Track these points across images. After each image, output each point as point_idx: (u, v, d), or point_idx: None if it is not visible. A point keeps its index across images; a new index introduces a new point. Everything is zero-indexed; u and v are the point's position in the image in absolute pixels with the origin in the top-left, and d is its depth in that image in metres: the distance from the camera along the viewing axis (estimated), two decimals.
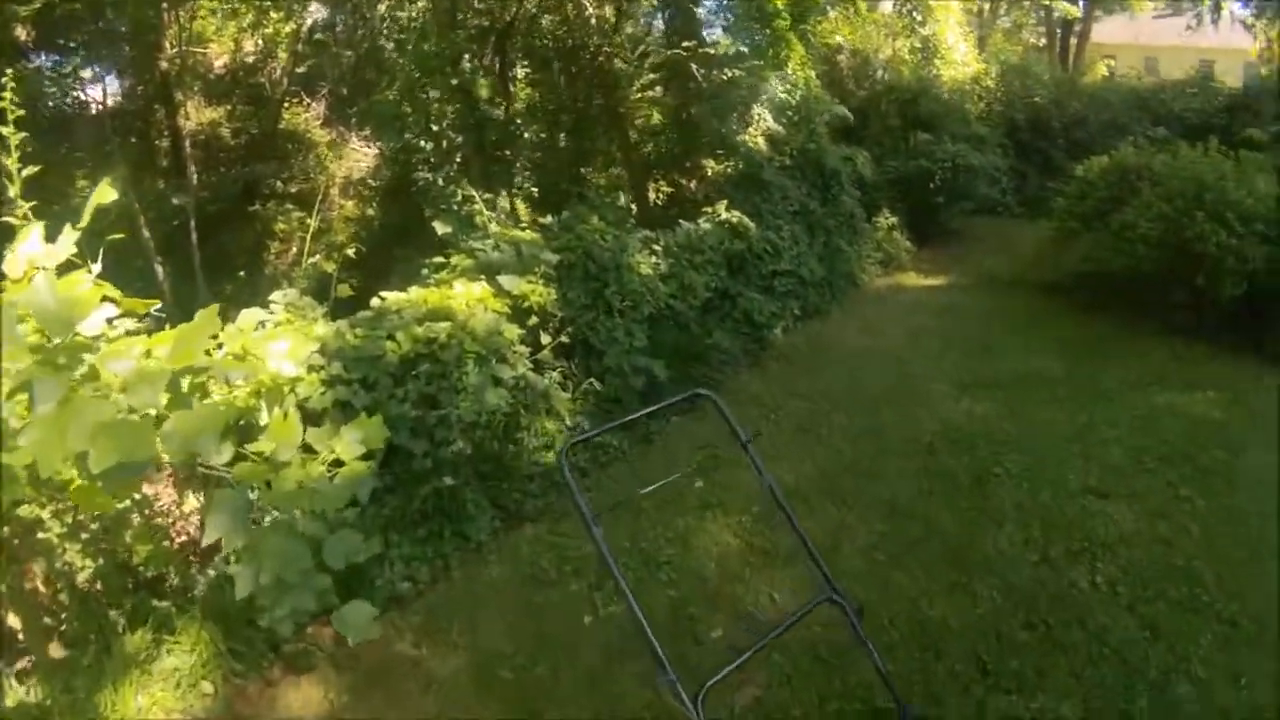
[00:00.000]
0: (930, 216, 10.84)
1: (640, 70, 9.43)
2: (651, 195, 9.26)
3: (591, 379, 5.11)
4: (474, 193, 6.79)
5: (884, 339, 7.26)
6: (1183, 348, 6.85)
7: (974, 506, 4.42)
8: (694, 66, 7.97)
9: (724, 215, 7.15)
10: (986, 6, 17.93)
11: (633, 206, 6.72)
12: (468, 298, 4.43)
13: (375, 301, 4.24)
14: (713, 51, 8.23)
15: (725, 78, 7.92)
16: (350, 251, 6.27)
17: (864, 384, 6.17)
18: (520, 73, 9.20)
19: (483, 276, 4.80)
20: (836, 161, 9.04)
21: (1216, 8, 17.34)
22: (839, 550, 3.93)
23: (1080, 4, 20.06)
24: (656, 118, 9.45)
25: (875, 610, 3.36)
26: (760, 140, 8.38)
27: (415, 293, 4.42)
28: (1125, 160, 8.08)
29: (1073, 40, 21.07)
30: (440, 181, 7.52)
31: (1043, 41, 21.56)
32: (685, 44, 8.04)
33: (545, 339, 4.84)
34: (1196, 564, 3.89)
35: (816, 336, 7.27)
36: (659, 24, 9.56)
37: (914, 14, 11.53)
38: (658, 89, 9.35)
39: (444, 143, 8.41)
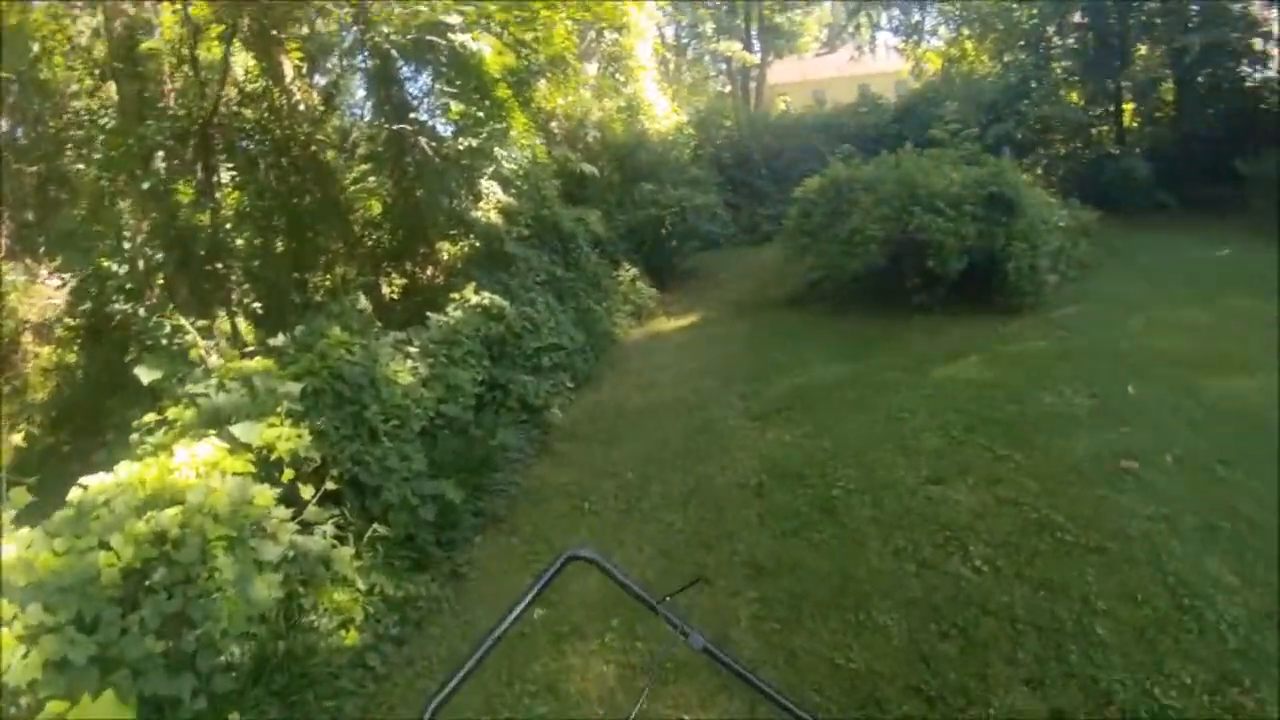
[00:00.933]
0: (666, 261, 11.59)
1: (354, 159, 9.00)
2: (386, 290, 8.82)
3: (374, 524, 4.48)
4: (184, 321, 5.97)
5: (664, 390, 7.40)
6: (929, 323, 7.98)
7: (833, 536, 4.48)
8: (424, 141, 7.73)
9: (475, 298, 6.92)
10: (672, 64, 20.09)
11: (369, 307, 6.27)
12: (196, 465, 3.66)
13: (74, 493, 3.32)
14: (441, 124, 8.05)
15: (460, 147, 7.77)
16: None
17: (664, 442, 6.16)
18: (225, 175, 8.28)
19: (212, 430, 4.05)
20: (571, 223, 9.26)
21: (872, 40, 21.42)
22: (727, 634, 3.74)
23: (756, 52, 23.30)
24: (378, 207, 9.07)
25: (803, 690, 3.29)
26: (494, 214, 8.33)
27: (127, 472, 3.54)
28: (837, 175, 9.13)
29: (752, 84, 24.39)
30: (142, 312, 6.48)
31: (727, 88, 24.69)
32: (401, 124, 7.77)
33: (307, 492, 4.08)
34: (1045, 512, 4.39)
35: (597, 405, 7.24)
36: (366, 111, 9.18)
37: (616, 75, 12.33)
38: (372, 179, 8.95)
39: (140, 263, 7.29)
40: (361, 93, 8.99)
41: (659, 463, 5.78)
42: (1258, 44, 12.59)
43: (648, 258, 11.25)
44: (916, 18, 19.13)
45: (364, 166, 8.98)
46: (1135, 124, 13.93)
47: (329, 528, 4.14)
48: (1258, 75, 12.82)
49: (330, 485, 4.33)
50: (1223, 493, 4.45)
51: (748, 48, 23.65)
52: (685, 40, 24.86)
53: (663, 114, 13.59)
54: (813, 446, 5.60)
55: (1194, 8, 12.42)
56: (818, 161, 10.97)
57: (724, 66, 26.16)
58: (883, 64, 22.53)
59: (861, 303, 8.65)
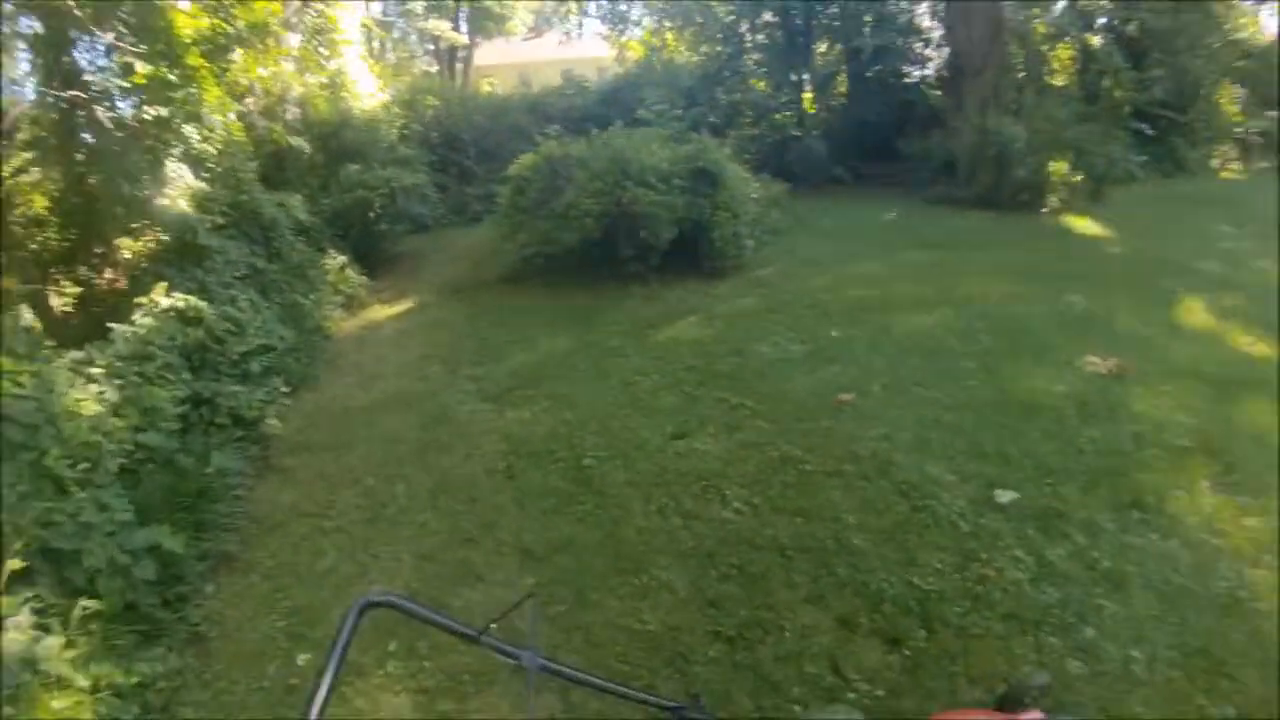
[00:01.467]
0: (375, 245, 10.61)
1: (11, 145, 6.91)
2: (57, 301, 6.92)
3: (81, 599, 3.24)
4: None
5: (388, 382, 6.72)
6: (645, 291, 8.26)
7: (595, 506, 4.34)
8: (100, 113, 6.20)
9: (166, 301, 5.64)
10: (378, 41, 18.82)
11: (37, 324, 4.72)
12: None
13: None
14: (122, 86, 6.48)
15: (146, 117, 6.35)
16: None
17: (399, 438, 5.55)
18: None
19: None
20: (273, 209, 8.05)
21: (580, 26, 22.05)
22: (516, 627, 3.15)
23: (464, 33, 22.57)
24: (42, 201, 7.10)
25: (609, 662, 3.11)
26: (183, 202, 6.96)
27: None
28: (551, 153, 8.99)
29: (459, 65, 23.57)
30: None
31: (434, 68, 23.60)
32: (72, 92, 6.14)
33: None
34: (784, 448, 4.65)
35: (319, 409, 6.32)
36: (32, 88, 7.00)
37: (321, 49, 10.97)
38: (35, 168, 7.06)
39: None
40: (25, 66, 6.78)
41: (398, 461, 5.22)
42: (919, 47, 15.93)
43: (355, 243, 10.19)
44: (623, 7, 20.00)
45: (27, 155, 7.06)
46: (815, 110, 16.22)
47: (24, 617, 2.96)
48: (916, 73, 16.20)
49: (14, 564, 3.08)
50: (925, 409, 5.10)
51: (456, 28, 22.94)
52: (392, 17, 23.22)
53: (368, 92, 12.38)
54: (554, 420, 5.47)
55: (867, 16, 15.00)
56: (526, 142, 10.84)
57: (431, 46, 24.90)
58: (589, 50, 22.95)
59: (578, 276, 8.68)
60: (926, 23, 16.03)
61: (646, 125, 10.10)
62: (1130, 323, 6.60)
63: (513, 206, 9.10)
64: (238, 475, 4.92)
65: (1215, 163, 16.27)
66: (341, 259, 9.42)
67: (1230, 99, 17.23)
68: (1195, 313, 6.89)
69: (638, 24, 19.43)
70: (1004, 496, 4.05)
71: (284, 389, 6.19)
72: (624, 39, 19.43)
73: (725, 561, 3.76)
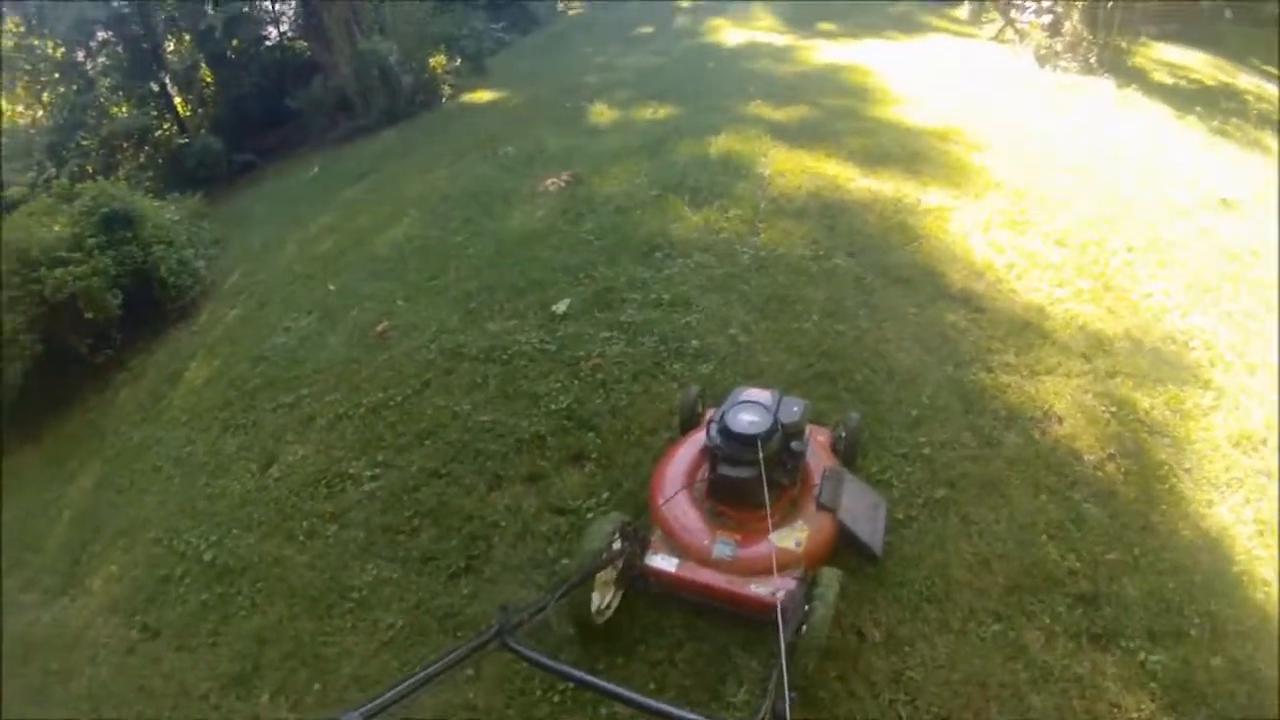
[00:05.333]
0: None
1: None
2: None
3: None
4: None
5: None
6: (122, 378, 7.08)
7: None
8: None
9: None
10: None
11: None
12: None
13: None
14: None
15: None
16: None
17: None
18: None
19: None
20: None
21: None
22: None
23: None
24: None
25: None
26: None
27: None
28: None
29: None
30: None
31: None
32: None
33: None
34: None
35: None
36: None
37: None
38: None
39: None
40: None
41: None
42: (269, 7, 15.46)
43: None
44: None
45: None
46: (191, 110, 14.93)
47: None
48: (274, 32, 15.74)
49: None
50: (452, 292, 5.91)
51: None
52: None
53: None
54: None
55: None
56: None
57: None
58: None
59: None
60: None
61: (25, 202, 8.45)
62: (562, 143, 8.24)
63: None
64: None
65: (560, 7, 20.08)
66: None
67: None
68: (603, 114, 9.14)
69: None
70: (560, 306, 5.10)
71: None
72: None
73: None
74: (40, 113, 13.84)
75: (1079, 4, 10.40)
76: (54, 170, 9.51)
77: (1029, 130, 7.73)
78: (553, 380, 4.50)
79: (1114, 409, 4.04)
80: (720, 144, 7.43)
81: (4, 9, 13.05)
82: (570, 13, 20.10)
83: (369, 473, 4.25)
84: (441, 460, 4.16)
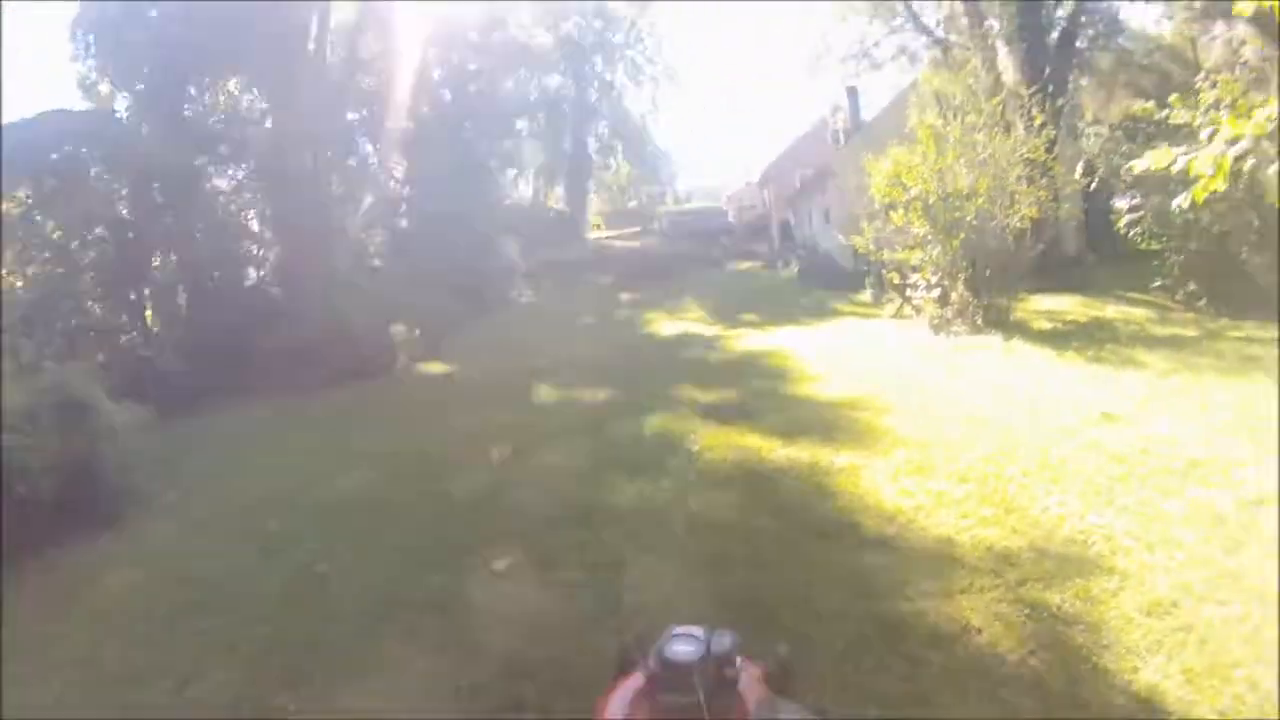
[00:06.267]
0: None
1: None
2: None
3: None
4: None
5: None
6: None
7: None
8: None
9: None
10: None
11: None
12: None
13: None
14: None
15: None
16: None
17: None
18: None
19: None
20: None
21: None
22: None
23: None
24: None
25: None
26: None
27: None
28: None
29: None
30: None
31: None
32: None
33: None
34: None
35: None
36: None
37: None
38: None
39: None
40: None
41: None
42: (254, 250, 17.46)
43: None
44: None
45: None
46: (159, 327, 15.96)
47: None
48: (254, 275, 17.66)
49: None
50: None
51: None
52: None
53: None
54: None
55: (199, 224, 15.60)
56: None
57: None
58: None
59: None
60: (255, 227, 17.88)
61: None
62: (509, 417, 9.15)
63: None
64: None
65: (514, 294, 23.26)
66: None
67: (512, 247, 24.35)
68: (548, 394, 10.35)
69: None
70: (500, 564, 5.50)
71: None
72: None
73: None
74: (20, 283, 14.49)
75: (962, 275, 12.28)
76: (24, 339, 9.78)
77: (929, 390, 8.78)
78: (492, 632, 4.69)
79: (1028, 611, 4.34)
80: (654, 423, 8.35)
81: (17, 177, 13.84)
82: (522, 299, 22.79)
83: (293, 705, 4.25)
84: (372, 700, 4.20)
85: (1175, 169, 3.49)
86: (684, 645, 3.27)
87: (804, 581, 4.92)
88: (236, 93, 19.92)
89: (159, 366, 13.85)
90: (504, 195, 32.04)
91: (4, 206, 14.39)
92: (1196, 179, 3.38)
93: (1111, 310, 12.09)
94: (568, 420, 9.09)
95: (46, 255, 14.94)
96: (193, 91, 18.77)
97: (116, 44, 17.71)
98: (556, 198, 41.50)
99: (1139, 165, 3.61)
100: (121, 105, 18.82)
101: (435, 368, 14.38)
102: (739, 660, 3.39)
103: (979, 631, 4.25)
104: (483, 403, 10.50)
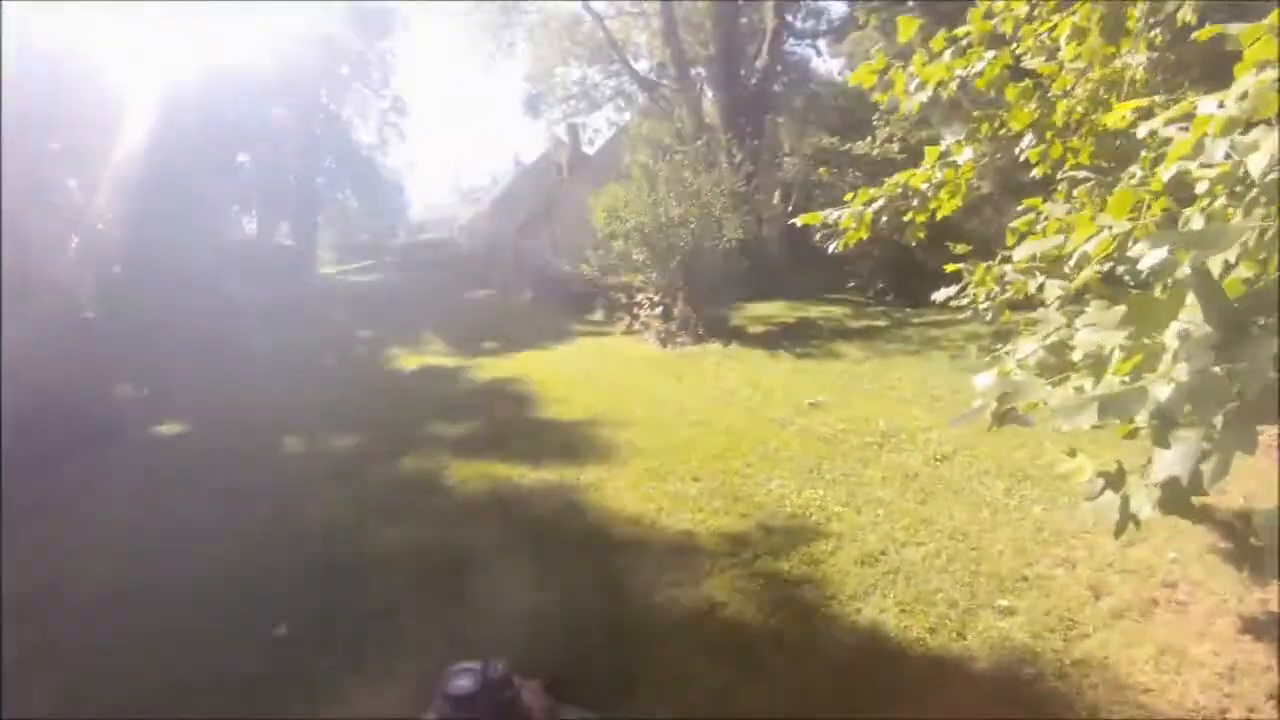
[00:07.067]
0: None
1: None
2: None
3: None
4: None
5: None
6: None
7: None
8: None
9: None
10: None
11: None
12: None
13: None
14: None
15: None
16: None
17: None
18: None
19: None
20: None
21: None
22: None
23: None
24: None
25: None
26: None
27: None
28: None
29: None
30: None
31: None
32: None
33: None
34: None
35: None
36: None
37: None
38: None
39: None
40: None
41: None
42: None
43: None
44: None
45: None
46: None
47: None
48: None
49: None
50: None
51: None
52: None
53: None
54: None
55: None
56: None
57: None
58: None
59: None
60: None
61: None
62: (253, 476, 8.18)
63: None
64: None
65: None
66: None
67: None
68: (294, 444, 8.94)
69: None
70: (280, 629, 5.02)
71: None
72: None
73: None
74: None
75: (681, 292, 13.61)
76: None
77: (661, 400, 9.54)
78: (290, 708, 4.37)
79: (763, 581, 4.98)
80: (407, 464, 8.12)
81: None
82: (257, 343, 20.76)
83: None
84: None
85: (825, 226, 4.35)
86: (463, 680, 3.39)
87: (570, 593, 5.16)
88: None
89: None
90: (228, 232, 29.08)
91: None
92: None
93: (814, 310, 14.12)
94: (319, 471, 8.48)
95: None
96: None
97: None
98: (283, 233, 38.31)
99: (799, 220, 4.42)
100: None
101: (171, 428, 12.48)
102: (515, 680, 3.57)
103: (724, 606, 4.78)
104: (228, 463, 9.37)
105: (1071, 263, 2.83)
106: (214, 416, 12.36)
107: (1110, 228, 2.54)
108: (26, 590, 6.45)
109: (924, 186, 4.14)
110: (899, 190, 4.22)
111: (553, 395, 10.49)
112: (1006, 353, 2.88)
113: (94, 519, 8.26)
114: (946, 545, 5.30)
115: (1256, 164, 1.99)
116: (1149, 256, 2.09)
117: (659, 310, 13.80)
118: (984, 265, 3.81)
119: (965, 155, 4.08)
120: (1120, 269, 2.66)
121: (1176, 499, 2.42)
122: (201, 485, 8.47)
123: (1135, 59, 3.63)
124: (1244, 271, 1.94)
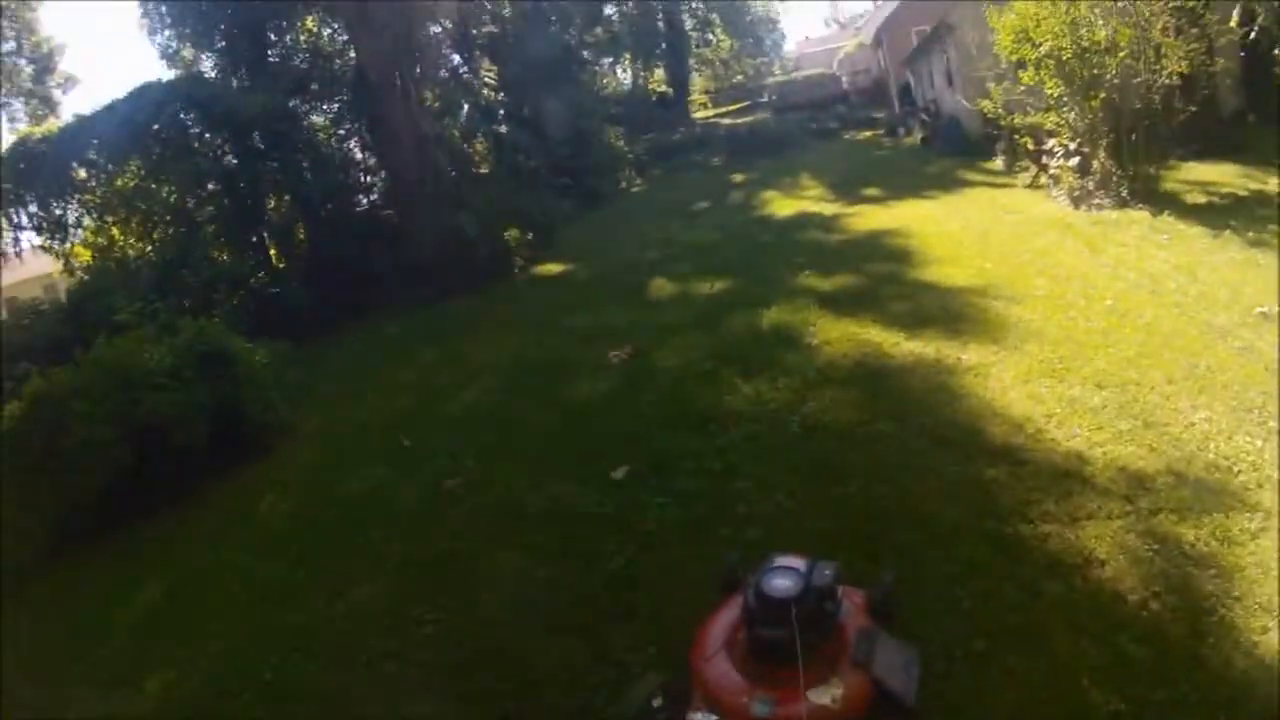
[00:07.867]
0: None
1: None
2: None
3: None
4: None
5: None
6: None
7: None
8: None
9: None
10: None
11: None
12: None
13: None
14: None
15: None
16: None
17: None
18: None
19: None
20: None
21: (16, 244, 17.49)
22: None
23: None
24: None
25: None
26: None
27: None
28: (39, 389, 7.66)
29: None
30: None
31: None
32: None
33: None
34: None
35: None
36: None
37: None
38: None
39: None
40: None
41: None
42: (361, 177, 18.87)
43: None
44: (58, 212, 16.72)
45: None
46: (284, 263, 17.25)
47: None
48: (365, 200, 18.97)
49: None
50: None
51: None
52: None
53: None
54: None
55: (305, 162, 16.90)
56: None
57: None
58: (30, 269, 19.11)
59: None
60: (359, 155, 19.04)
61: (129, 329, 8.88)
62: (625, 316, 9.32)
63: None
64: None
65: (622, 184, 23.77)
66: None
67: (615, 136, 25.75)
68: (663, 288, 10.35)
69: (77, 226, 16.96)
70: (618, 472, 5.75)
71: None
72: (68, 246, 16.84)
73: None
74: (150, 249, 15.96)
75: (1104, 141, 10.99)
76: (158, 303, 10.38)
77: (1066, 274, 8.09)
78: (608, 541, 4.96)
79: (1157, 546, 4.04)
80: (771, 315, 8.24)
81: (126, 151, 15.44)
82: (633, 189, 22.72)
83: (431, 616, 4.68)
84: (499, 609, 4.58)
85: None
86: (783, 580, 3.25)
87: (921, 495, 4.82)
88: (315, 29, 20.38)
89: (288, 300, 14.70)
90: (602, 85, 31.12)
91: (118, 181, 16.00)
92: None
93: (1276, 183, 10.53)
94: (684, 316, 9.10)
95: (167, 219, 16.14)
96: (272, 37, 19.44)
97: (187, 8, 18.68)
98: (658, 81, 39.81)
99: None
100: (207, 65, 19.77)
101: (551, 269, 14.58)
102: (840, 591, 3.39)
103: (1102, 565, 4.02)
104: (599, 301, 10.63)
105: None
106: (589, 258, 13.82)
107: None
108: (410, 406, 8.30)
109: None
110: None
111: (937, 254, 9.57)
112: None
113: (480, 348, 9.90)
114: None
115: None
116: None
117: (1074, 161, 11.41)
118: None
119: None
120: None
121: None
122: (570, 323, 9.57)
123: None
124: None
